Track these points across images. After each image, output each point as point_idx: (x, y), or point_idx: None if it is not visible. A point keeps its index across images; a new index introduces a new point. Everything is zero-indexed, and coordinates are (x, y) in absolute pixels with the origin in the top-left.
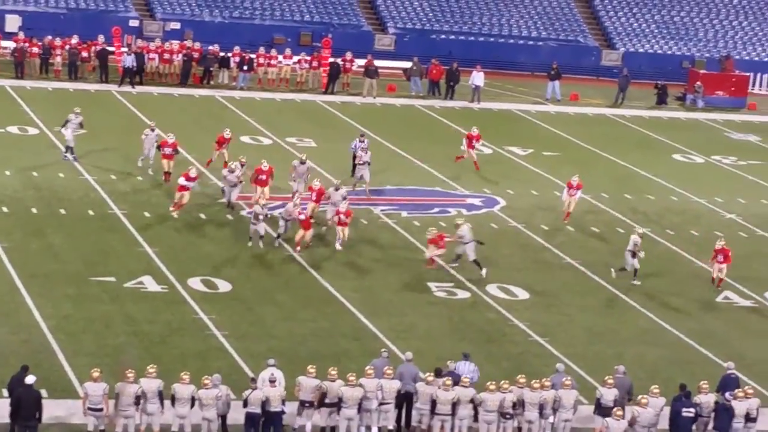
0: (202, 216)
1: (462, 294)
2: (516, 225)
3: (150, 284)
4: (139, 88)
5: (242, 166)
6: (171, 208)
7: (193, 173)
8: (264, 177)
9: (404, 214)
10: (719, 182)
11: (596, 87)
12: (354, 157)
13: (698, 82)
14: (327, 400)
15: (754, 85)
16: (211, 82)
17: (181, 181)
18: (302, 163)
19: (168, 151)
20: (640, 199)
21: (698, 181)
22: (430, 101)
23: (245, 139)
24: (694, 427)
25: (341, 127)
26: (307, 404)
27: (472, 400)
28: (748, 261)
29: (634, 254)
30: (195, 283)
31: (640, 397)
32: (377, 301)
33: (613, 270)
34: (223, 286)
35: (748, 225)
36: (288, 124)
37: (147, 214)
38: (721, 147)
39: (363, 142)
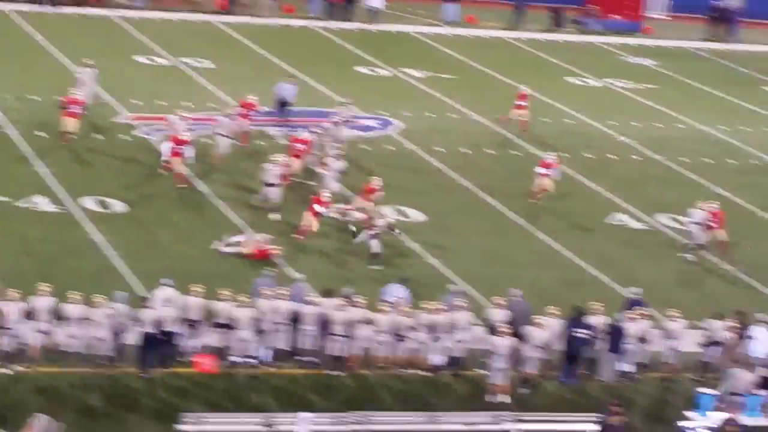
0: (100, 137)
1: (356, 216)
2: (412, 147)
3: (43, 204)
4: (39, 8)
5: None
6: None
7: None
8: None
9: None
10: (614, 105)
11: (493, 10)
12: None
13: (593, 5)
14: (219, 321)
15: (649, 9)
16: None
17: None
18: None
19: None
20: (535, 122)
21: (593, 105)
22: (328, 23)
23: (141, 59)
24: (587, 347)
25: (238, 48)
26: (193, 324)
27: (368, 321)
28: (641, 184)
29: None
30: (90, 203)
31: (535, 317)
32: (270, 222)
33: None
34: (119, 207)
35: (642, 148)
36: (185, 44)
37: (44, 135)
38: (617, 70)
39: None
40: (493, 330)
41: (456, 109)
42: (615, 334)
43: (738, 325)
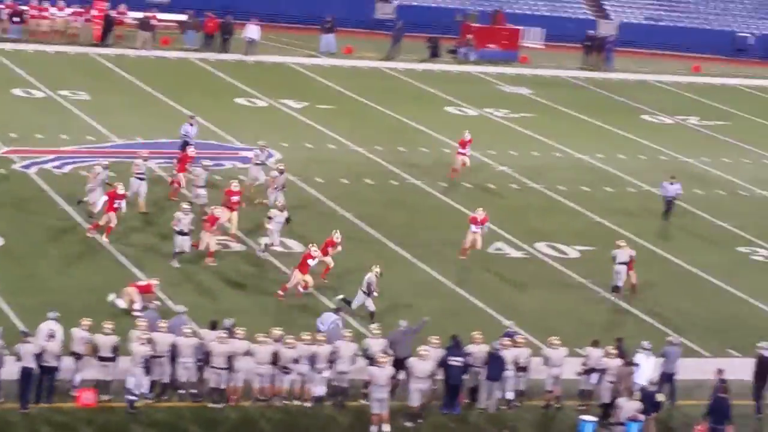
0: None
1: (237, 247)
2: (291, 178)
3: None
4: None
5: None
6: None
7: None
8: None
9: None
10: (492, 135)
11: (370, 40)
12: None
13: (470, 35)
14: (102, 354)
15: (525, 39)
16: None
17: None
18: (281, 172)
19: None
20: (413, 152)
21: (471, 134)
22: (205, 54)
23: (17, 91)
24: (466, 376)
25: (115, 80)
26: (77, 356)
27: (249, 353)
28: (520, 213)
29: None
30: None
31: (419, 348)
32: (152, 258)
33: None
34: None
35: (520, 177)
36: (61, 76)
37: None
38: (494, 100)
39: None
40: (372, 360)
41: (334, 140)
42: (493, 362)
43: (617, 352)
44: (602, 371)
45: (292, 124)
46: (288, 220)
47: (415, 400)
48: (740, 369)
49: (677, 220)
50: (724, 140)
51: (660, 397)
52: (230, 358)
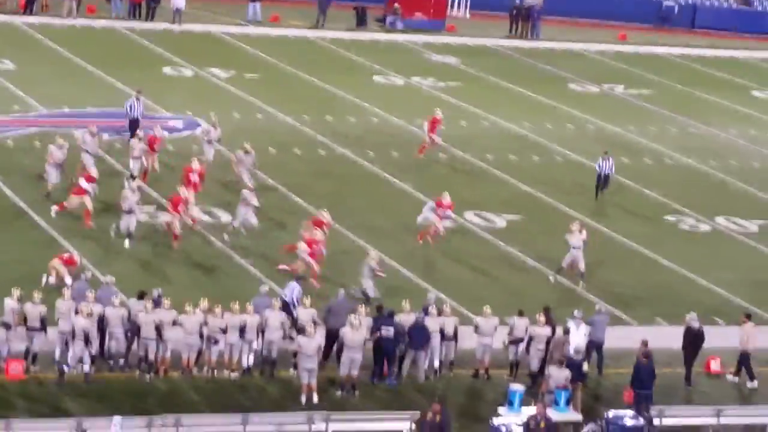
0: None
1: (164, 217)
2: (219, 147)
3: None
4: None
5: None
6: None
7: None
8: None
9: (105, 136)
10: (419, 104)
11: (297, 8)
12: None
13: (397, 4)
14: (30, 324)
15: (452, 8)
16: None
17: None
18: (247, 153)
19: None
20: (341, 121)
21: (398, 103)
22: (131, 23)
23: None
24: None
25: (41, 49)
26: (7, 327)
27: (177, 323)
28: (448, 182)
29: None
30: None
31: (351, 316)
32: (77, 225)
33: None
34: None
35: (448, 146)
36: None
37: None
38: (421, 69)
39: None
40: (301, 330)
41: (262, 109)
42: (418, 331)
43: (545, 320)
44: (530, 340)
45: (219, 93)
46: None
47: (347, 370)
48: (668, 337)
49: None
50: (650, 109)
51: (585, 367)
52: (158, 329)
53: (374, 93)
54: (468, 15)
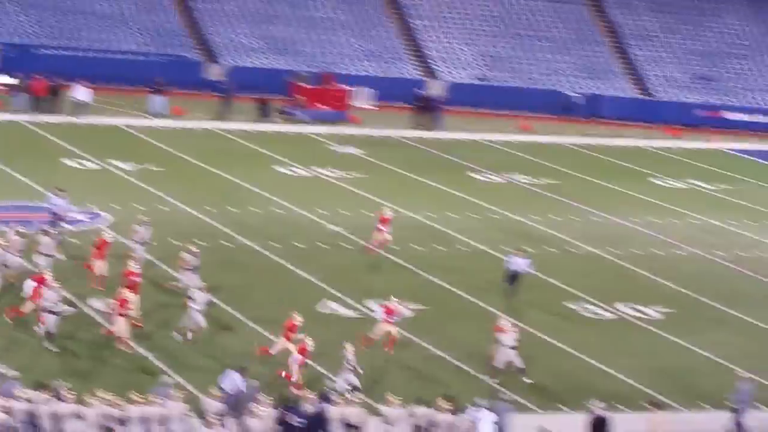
0: None
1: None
2: (123, 240)
3: None
4: None
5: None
6: None
7: None
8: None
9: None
10: (323, 194)
11: (200, 101)
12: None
13: (301, 96)
14: None
15: (356, 99)
16: None
17: None
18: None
19: None
20: (245, 212)
21: (302, 194)
22: (34, 116)
23: None
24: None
25: None
26: None
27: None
28: (352, 272)
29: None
30: None
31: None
32: None
33: None
34: None
35: (352, 236)
36: None
37: None
38: (325, 160)
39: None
40: (207, 422)
41: (165, 201)
42: (317, 421)
43: (450, 408)
44: (431, 427)
45: (122, 185)
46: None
47: None
48: (571, 425)
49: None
50: (553, 198)
51: None
52: (58, 420)
53: (277, 184)
54: (372, 106)
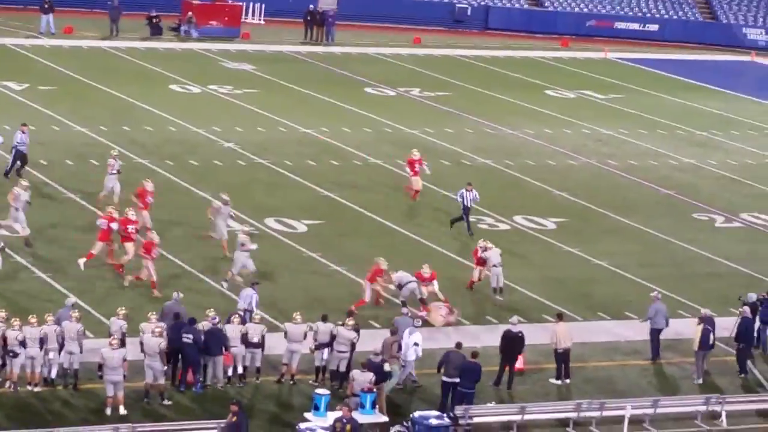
0: None
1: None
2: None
3: None
4: None
5: None
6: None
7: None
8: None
9: None
10: (216, 111)
11: (91, 19)
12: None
13: (191, 13)
14: None
15: (247, 15)
16: None
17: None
18: (225, 203)
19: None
20: (138, 131)
21: (196, 111)
22: None
23: None
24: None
25: None
26: None
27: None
28: (247, 189)
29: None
30: None
31: (146, 326)
32: None
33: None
34: None
35: (246, 153)
36: None
37: None
38: (217, 76)
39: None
40: (109, 342)
41: (57, 121)
42: (213, 338)
43: (352, 324)
44: (332, 343)
45: (13, 105)
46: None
47: (151, 379)
48: (475, 339)
49: (403, 190)
50: (446, 110)
51: (387, 367)
52: None
53: (171, 102)
54: (263, 21)
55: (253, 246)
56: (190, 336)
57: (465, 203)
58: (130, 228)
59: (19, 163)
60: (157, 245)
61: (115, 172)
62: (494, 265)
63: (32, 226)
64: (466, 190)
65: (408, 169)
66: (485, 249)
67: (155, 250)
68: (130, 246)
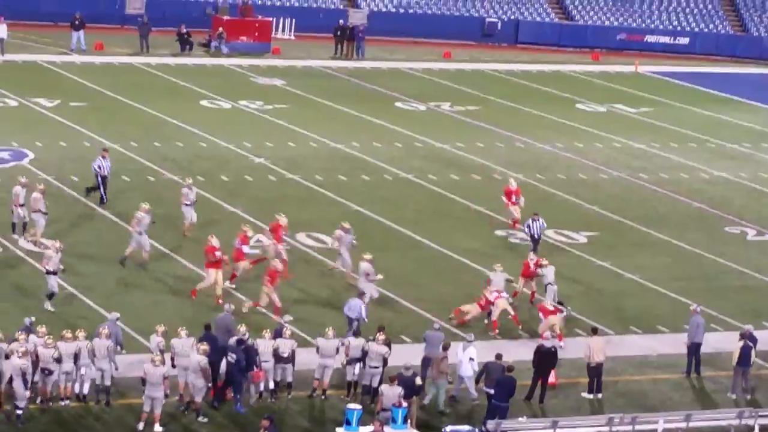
0: None
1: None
2: (46, 177)
3: None
4: None
5: None
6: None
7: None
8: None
9: None
10: (247, 127)
11: (121, 35)
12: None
13: (221, 28)
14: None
15: (277, 30)
16: None
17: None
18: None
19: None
20: (170, 146)
21: (226, 127)
22: None
23: None
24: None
25: None
26: None
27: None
28: (278, 204)
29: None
30: None
31: (175, 342)
32: None
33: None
34: None
35: (276, 168)
36: None
37: None
38: (248, 92)
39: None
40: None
41: (88, 137)
42: (249, 353)
43: (383, 339)
44: (364, 359)
45: (45, 122)
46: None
47: (196, 395)
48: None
49: (434, 205)
50: (476, 125)
51: (418, 381)
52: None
53: (201, 117)
54: (293, 37)
55: (379, 276)
56: (234, 356)
57: (533, 234)
58: (217, 254)
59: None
60: (281, 274)
61: (189, 203)
62: (549, 283)
63: (64, 243)
64: (533, 220)
65: (505, 199)
66: (540, 266)
67: (279, 278)
68: (212, 272)
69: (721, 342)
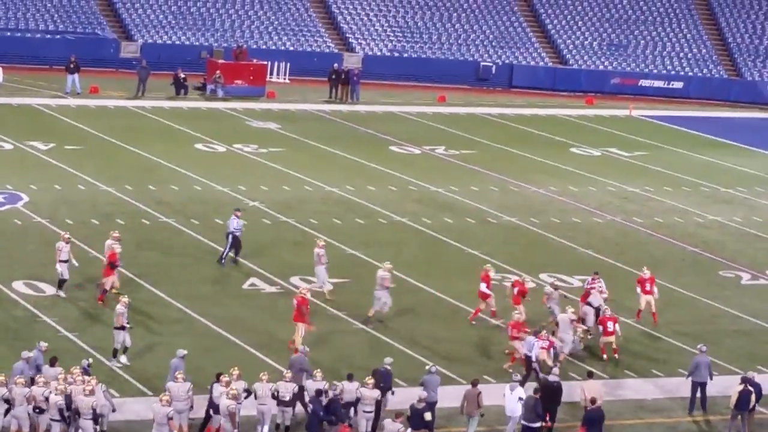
0: None
1: None
2: (40, 220)
3: None
4: None
5: None
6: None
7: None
8: None
9: None
10: (241, 170)
11: (116, 79)
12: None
13: (217, 72)
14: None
15: (272, 74)
16: None
17: None
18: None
19: None
20: (164, 190)
21: (221, 170)
22: None
23: None
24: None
25: None
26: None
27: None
28: (273, 248)
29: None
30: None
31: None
32: None
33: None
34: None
35: (271, 211)
36: None
37: None
38: (242, 135)
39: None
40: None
41: (83, 180)
42: (334, 407)
43: (373, 383)
44: (356, 403)
45: (39, 165)
46: None
47: None
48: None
49: (429, 248)
50: (471, 168)
51: (428, 417)
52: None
53: (196, 161)
54: (288, 81)
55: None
56: (311, 405)
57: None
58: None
59: (233, 249)
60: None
61: (325, 263)
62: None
63: (64, 287)
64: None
65: (638, 289)
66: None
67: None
68: (300, 326)
69: (716, 386)
